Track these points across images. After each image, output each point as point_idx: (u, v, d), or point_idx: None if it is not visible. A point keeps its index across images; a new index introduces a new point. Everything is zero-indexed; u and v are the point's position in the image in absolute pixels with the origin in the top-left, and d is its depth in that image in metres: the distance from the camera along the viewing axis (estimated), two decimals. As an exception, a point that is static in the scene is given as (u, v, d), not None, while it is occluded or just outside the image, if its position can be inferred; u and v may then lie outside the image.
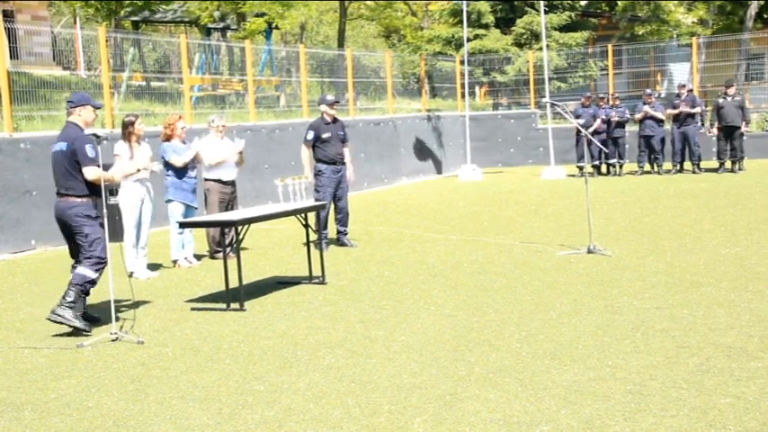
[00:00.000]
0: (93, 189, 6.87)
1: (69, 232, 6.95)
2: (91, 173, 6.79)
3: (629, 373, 5.18)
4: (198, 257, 10.34)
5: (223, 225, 8.29)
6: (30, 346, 6.52)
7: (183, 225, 8.96)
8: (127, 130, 9.25)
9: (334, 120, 10.72)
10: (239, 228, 7.87)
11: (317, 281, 8.56)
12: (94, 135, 6.92)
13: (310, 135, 10.55)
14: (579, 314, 6.71)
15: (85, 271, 6.85)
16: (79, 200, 6.85)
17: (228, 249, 9.09)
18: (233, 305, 7.51)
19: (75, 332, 6.71)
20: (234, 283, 7.64)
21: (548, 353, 5.68)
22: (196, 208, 10.10)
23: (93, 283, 6.89)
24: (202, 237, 10.97)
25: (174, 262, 9.98)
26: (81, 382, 5.53)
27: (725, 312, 6.54)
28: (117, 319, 6.85)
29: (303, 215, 8.59)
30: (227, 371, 5.64)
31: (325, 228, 10.30)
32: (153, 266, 9.74)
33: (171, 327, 6.97)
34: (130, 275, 8.94)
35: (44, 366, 5.95)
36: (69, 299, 6.77)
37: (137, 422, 4.75)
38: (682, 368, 5.22)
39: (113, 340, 6.51)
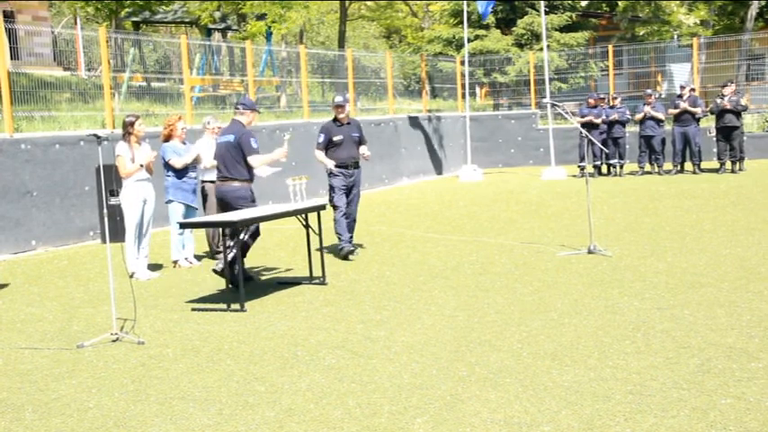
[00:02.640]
0: (251, 175, 8.57)
1: (228, 210, 8.47)
2: (254, 161, 8.49)
3: (630, 373, 5.18)
4: (198, 258, 10.35)
5: (224, 225, 8.29)
6: (30, 347, 6.52)
7: (183, 225, 8.96)
8: (127, 130, 9.25)
9: (348, 121, 10.10)
10: (239, 228, 7.87)
11: (317, 281, 8.56)
12: (95, 135, 6.92)
13: (321, 138, 9.96)
14: (580, 315, 6.71)
15: (247, 242, 8.58)
16: (239, 184, 8.48)
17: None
18: (233, 306, 7.51)
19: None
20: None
21: (548, 353, 5.68)
22: (196, 208, 10.11)
23: (249, 248, 8.70)
24: (203, 237, 10.98)
25: (175, 262, 9.98)
26: (81, 383, 5.53)
27: (726, 313, 6.54)
28: (118, 319, 6.85)
29: (304, 216, 8.59)
30: (227, 371, 5.64)
31: (345, 231, 9.92)
32: (153, 267, 9.75)
33: (171, 327, 6.97)
34: (131, 276, 8.94)
35: (45, 367, 5.95)
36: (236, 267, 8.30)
37: (137, 423, 4.75)
38: (682, 369, 5.22)
39: (114, 341, 6.51)
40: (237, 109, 8.82)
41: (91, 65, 20.08)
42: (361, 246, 10.43)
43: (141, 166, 9.16)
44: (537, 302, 7.22)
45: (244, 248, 8.49)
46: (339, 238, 9.93)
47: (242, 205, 8.43)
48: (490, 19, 26.90)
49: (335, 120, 10.05)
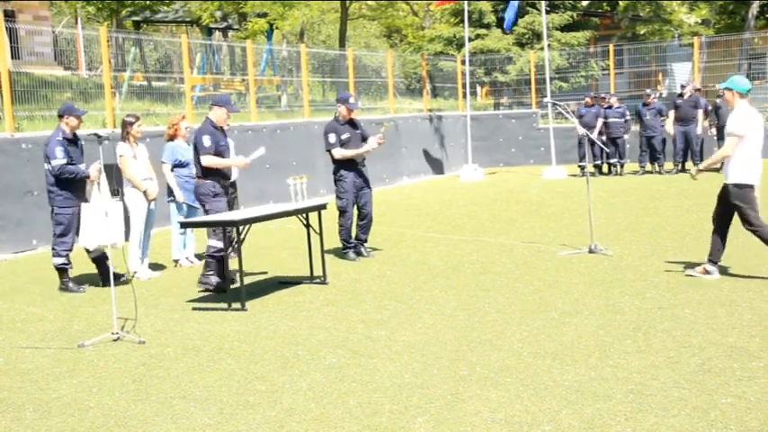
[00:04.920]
0: (211, 172, 8.37)
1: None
2: (205, 161, 8.33)
3: (631, 372, 5.18)
4: (199, 257, 10.34)
5: (224, 225, 8.29)
6: (31, 346, 6.52)
7: (184, 225, 8.96)
8: (125, 130, 9.25)
9: (351, 120, 9.80)
10: (240, 228, 7.87)
11: (318, 281, 8.56)
12: (95, 135, 6.93)
13: (333, 138, 9.57)
14: (580, 314, 6.71)
15: (212, 242, 8.38)
16: (200, 180, 8.43)
17: (230, 249, 9.09)
18: (234, 305, 7.51)
19: (218, 290, 8.15)
20: (235, 283, 7.64)
21: (549, 353, 5.68)
22: (198, 208, 10.09)
23: (220, 250, 8.23)
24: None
25: (176, 262, 9.98)
26: (82, 382, 5.54)
27: (726, 312, 6.54)
28: (119, 318, 6.85)
29: (304, 215, 8.59)
30: (228, 371, 5.64)
31: (350, 237, 9.79)
32: (154, 266, 9.74)
33: (172, 327, 6.97)
34: (133, 275, 8.94)
35: (45, 366, 5.96)
36: (207, 269, 8.37)
37: (138, 422, 4.75)
38: (683, 368, 5.22)
39: (115, 340, 6.51)
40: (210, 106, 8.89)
41: (91, 64, 20.09)
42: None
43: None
44: (538, 302, 7.22)
45: (210, 253, 8.35)
46: (344, 245, 9.83)
47: (203, 201, 8.50)
48: (491, 18, 26.89)
49: (337, 119, 9.77)
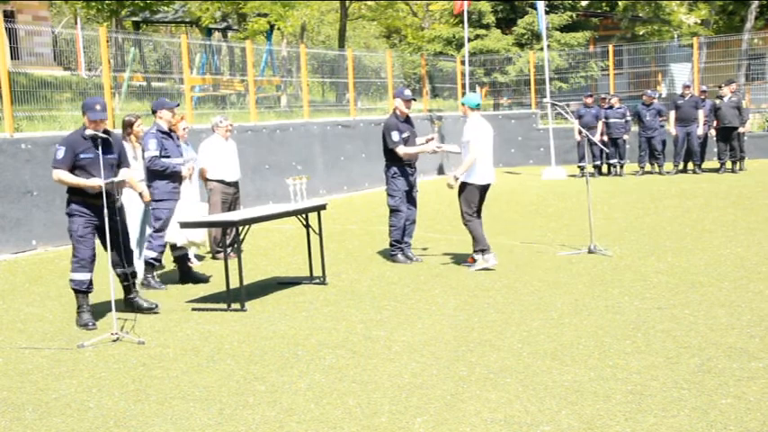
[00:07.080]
0: (71, 189, 7.08)
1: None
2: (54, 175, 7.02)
3: (630, 373, 5.18)
4: (199, 258, 10.34)
5: (224, 225, 8.29)
6: (30, 347, 6.52)
7: (184, 225, 8.95)
8: (127, 130, 9.25)
9: (407, 117, 9.57)
10: (240, 228, 7.87)
11: (317, 281, 8.56)
12: (95, 135, 6.92)
13: (397, 136, 9.25)
14: (580, 314, 6.72)
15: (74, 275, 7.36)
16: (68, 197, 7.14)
17: (229, 249, 9.09)
18: (234, 305, 7.51)
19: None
20: (235, 284, 7.65)
21: (549, 353, 5.68)
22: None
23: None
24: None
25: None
26: (82, 383, 5.53)
27: (726, 312, 6.54)
28: (118, 319, 6.85)
29: (304, 215, 8.59)
30: (227, 371, 5.64)
31: (402, 238, 9.51)
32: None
33: (172, 327, 6.97)
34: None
35: (45, 366, 5.96)
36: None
37: (138, 422, 4.75)
38: (683, 368, 5.22)
39: (114, 340, 6.51)
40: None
41: (91, 64, 20.09)
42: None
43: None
44: (537, 302, 7.22)
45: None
46: (394, 245, 9.53)
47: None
48: (490, 18, 26.91)
49: (396, 116, 9.47)
